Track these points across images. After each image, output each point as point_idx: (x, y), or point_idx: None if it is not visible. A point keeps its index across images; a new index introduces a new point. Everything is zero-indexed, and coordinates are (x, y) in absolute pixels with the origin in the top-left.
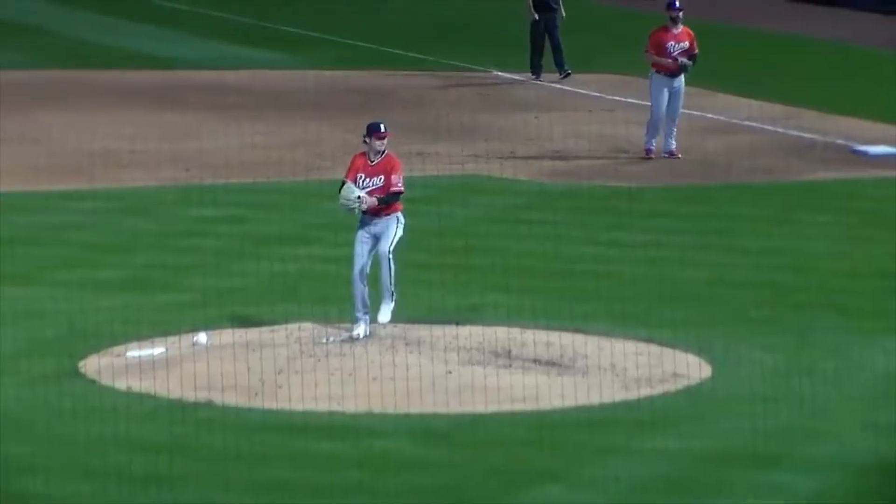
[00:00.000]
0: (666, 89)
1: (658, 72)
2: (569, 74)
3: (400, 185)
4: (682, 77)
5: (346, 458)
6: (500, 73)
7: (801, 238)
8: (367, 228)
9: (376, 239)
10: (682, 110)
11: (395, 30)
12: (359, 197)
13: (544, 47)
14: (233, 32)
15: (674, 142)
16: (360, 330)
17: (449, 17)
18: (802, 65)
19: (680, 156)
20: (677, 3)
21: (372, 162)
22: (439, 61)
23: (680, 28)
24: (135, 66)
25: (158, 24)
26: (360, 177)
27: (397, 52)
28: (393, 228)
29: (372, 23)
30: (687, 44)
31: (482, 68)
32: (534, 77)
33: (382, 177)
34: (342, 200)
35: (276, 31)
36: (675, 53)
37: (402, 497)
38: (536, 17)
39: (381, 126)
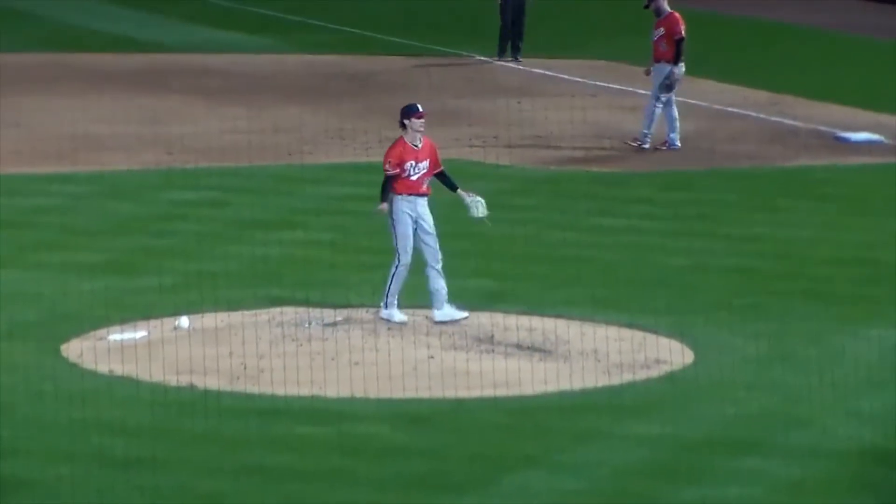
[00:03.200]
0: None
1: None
2: (519, 62)
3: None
4: (662, 64)
5: (328, 443)
6: (483, 59)
7: (783, 225)
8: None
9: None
10: (653, 95)
11: (377, 14)
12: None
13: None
14: (215, 16)
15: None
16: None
17: (431, 1)
18: (786, 52)
19: (665, 147)
20: None
21: (417, 147)
22: (422, 46)
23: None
24: (117, 49)
25: (140, 7)
26: (411, 164)
27: (380, 36)
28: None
29: (355, 7)
30: (663, 30)
31: (465, 53)
32: (497, 58)
33: (428, 160)
34: (480, 215)
35: (258, 15)
36: (654, 39)
37: (382, 481)
38: None
39: (418, 106)
